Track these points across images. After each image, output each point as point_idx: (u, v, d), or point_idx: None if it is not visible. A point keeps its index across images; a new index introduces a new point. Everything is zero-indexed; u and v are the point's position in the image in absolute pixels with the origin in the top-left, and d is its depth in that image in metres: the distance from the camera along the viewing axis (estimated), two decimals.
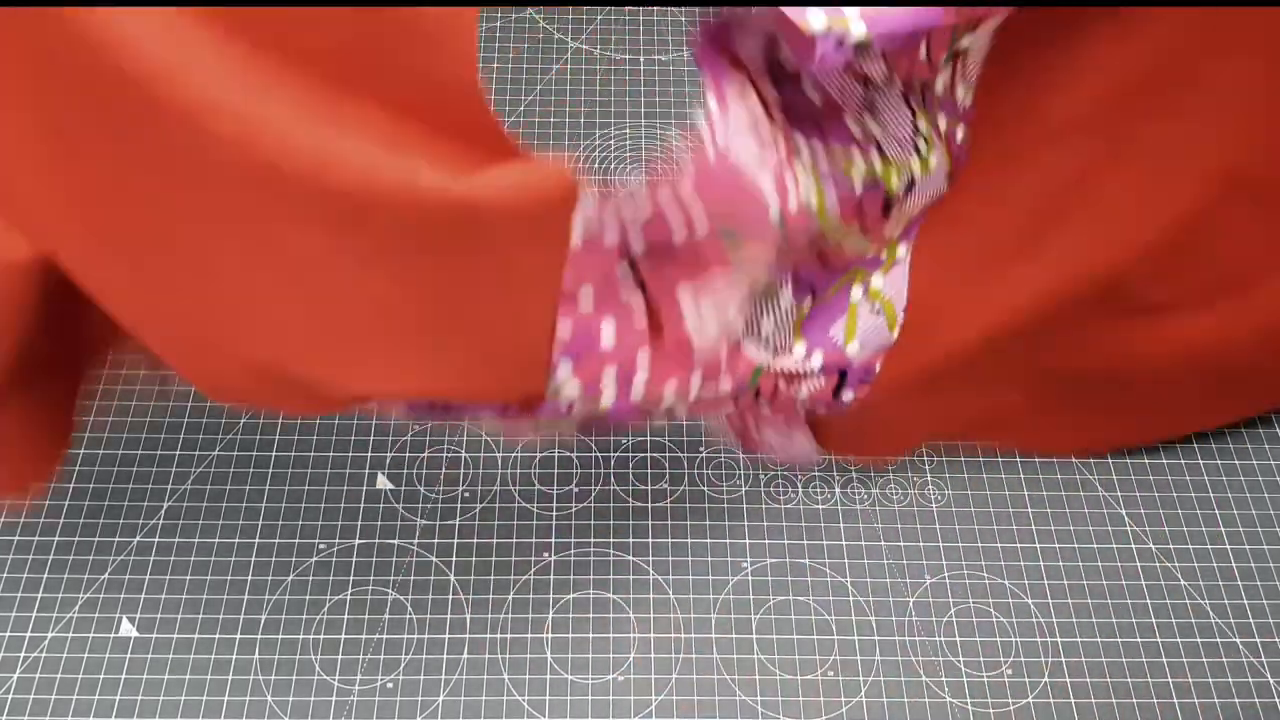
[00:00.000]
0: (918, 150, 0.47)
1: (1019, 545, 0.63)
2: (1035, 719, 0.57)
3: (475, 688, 0.58)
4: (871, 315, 0.55)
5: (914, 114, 0.46)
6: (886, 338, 0.55)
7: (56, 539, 0.62)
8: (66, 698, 0.57)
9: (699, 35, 0.45)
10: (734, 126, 0.44)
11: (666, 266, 0.45)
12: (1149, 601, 0.61)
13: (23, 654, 0.59)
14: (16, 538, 0.62)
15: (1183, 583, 0.62)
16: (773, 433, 0.60)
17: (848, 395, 0.57)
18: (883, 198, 0.48)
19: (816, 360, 0.55)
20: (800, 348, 0.55)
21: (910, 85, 0.44)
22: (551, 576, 0.61)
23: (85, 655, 0.58)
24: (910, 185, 0.48)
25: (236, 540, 0.62)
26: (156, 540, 0.62)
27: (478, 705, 0.57)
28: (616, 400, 0.46)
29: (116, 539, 0.62)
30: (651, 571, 0.61)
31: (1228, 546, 0.63)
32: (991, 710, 0.58)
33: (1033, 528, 0.64)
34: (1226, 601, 0.61)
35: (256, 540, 0.62)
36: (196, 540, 0.62)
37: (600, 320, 0.45)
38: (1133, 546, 0.63)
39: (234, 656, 0.59)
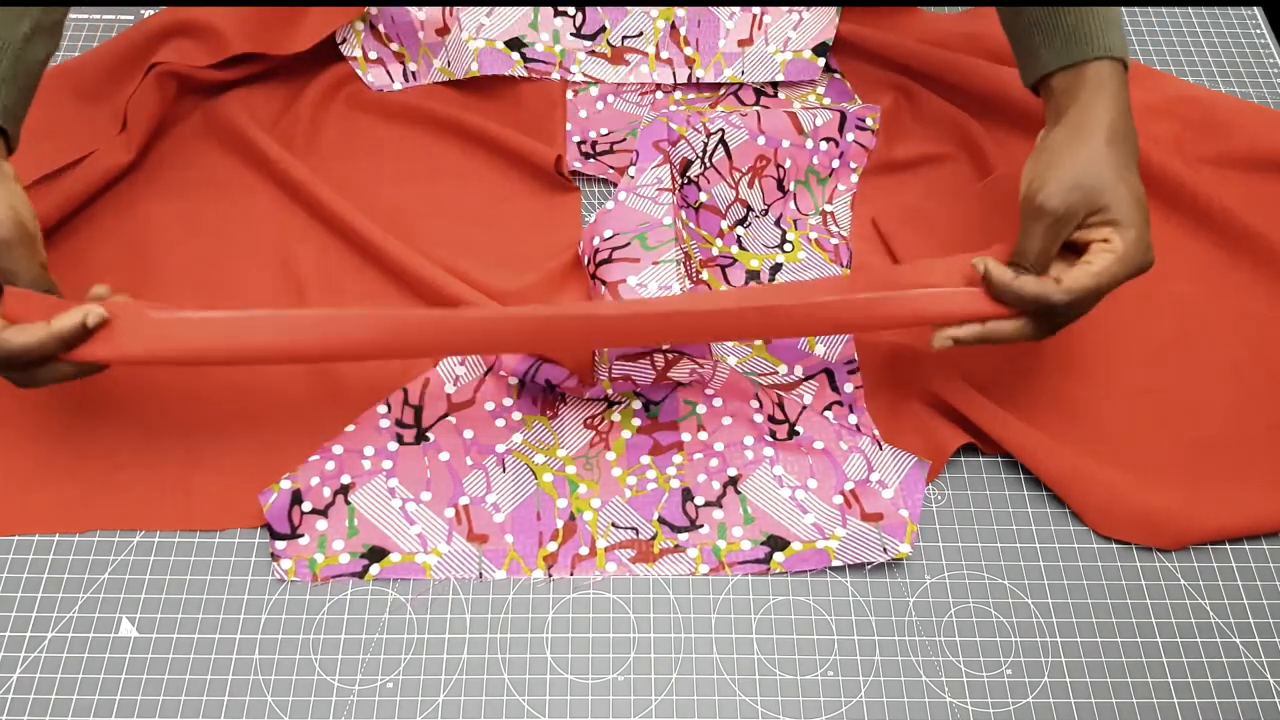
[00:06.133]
0: (783, 249, 0.75)
1: (1019, 545, 0.63)
2: (1035, 719, 0.57)
3: (475, 688, 0.58)
4: None
5: (784, 231, 0.76)
6: (842, 335, 0.68)
7: (56, 539, 0.62)
8: (66, 698, 0.57)
9: (645, 128, 0.75)
10: (639, 183, 0.73)
11: (611, 266, 0.69)
12: (1149, 601, 0.61)
13: (23, 654, 0.59)
14: (16, 538, 0.62)
15: (1183, 583, 0.62)
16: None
17: (848, 387, 0.68)
18: (743, 269, 0.74)
19: (799, 371, 0.69)
20: (782, 368, 0.69)
21: (780, 221, 0.76)
22: (551, 577, 0.61)
23: (85, 655, 0.58)
24: (778, 267, 0.74)
25: (237, 540, 0.62)
26: (157, 540, 0.62)
27: (478, 705, 0.57)
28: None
29: (116, 539, 0.62)
30: (651, 572, 0.61)
31: (1228, 547, 0.63)
32: (991, 710, 0.58)
33: (1033, 528, 0.64)
34: (1226, 601, 0.61)
35: (256, 540, 0.62)
36: (197, 539, 0.62)
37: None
38: (1132, 547, 0.63)
39: (234, 656, 0.59)
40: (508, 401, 0.67)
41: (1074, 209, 0.58)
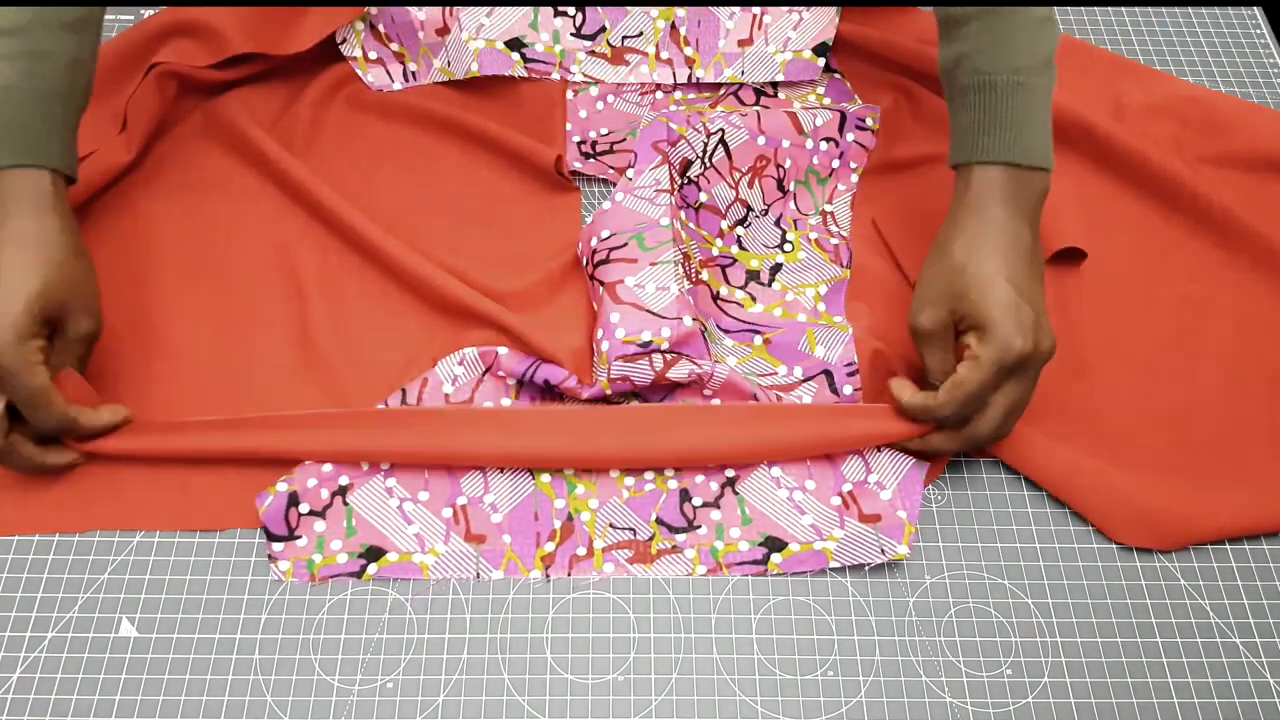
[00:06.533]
0: (783, 249, 0.75)
1: (1019, 545, 0.63)
2: (1035, 719, 0.57)
3: (475, 688, 0.58)
4: (826, 329, 0.69)
5: (784, 231, 0.76)
6: (842, 337, 0.68)
7: (56, 539, 0.62)
8: (66, 698, 0.57)
9: (645, 128, 0.75)
10: (637, 184, 0.73)
11: (608, 266, 0.70)
12: (1149, 601, 0.61)
13: (23, 654, 0.59)
14: (16, 538, 0.62)
15: (1183, 583, 0.62)
16: None
17: (847, 389, 0.67)
18: (743, 269, 0.74)
19: (798, 372, 0.67)
20: (781, 369, 0.69)
21: (780, 221, 0.76)
22: (552, 577, 0.61)
23: (85, 655, 0.58)
24: (777, 267, 0.74)
25: (237, 540, 0.62)
26: (157, 540, 0.62)
27: (478, 705, 0.57)
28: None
29: (116, 539, 0.62)
30: (649, 573, 0.61)
31: (1228, 547, 0.63)
32: (991, 710, 0.58)
33: (1033, 528, 0.64)
34: (1226, 601, 0.61)
35: (256, 540, 0.62)
36: (197, 539, 0.62)
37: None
38: (1132, 547, 0.63)
39: (234, 656, 0.59)
40: (506, 402, 0.67)
41: (938, 324, 0.61)
